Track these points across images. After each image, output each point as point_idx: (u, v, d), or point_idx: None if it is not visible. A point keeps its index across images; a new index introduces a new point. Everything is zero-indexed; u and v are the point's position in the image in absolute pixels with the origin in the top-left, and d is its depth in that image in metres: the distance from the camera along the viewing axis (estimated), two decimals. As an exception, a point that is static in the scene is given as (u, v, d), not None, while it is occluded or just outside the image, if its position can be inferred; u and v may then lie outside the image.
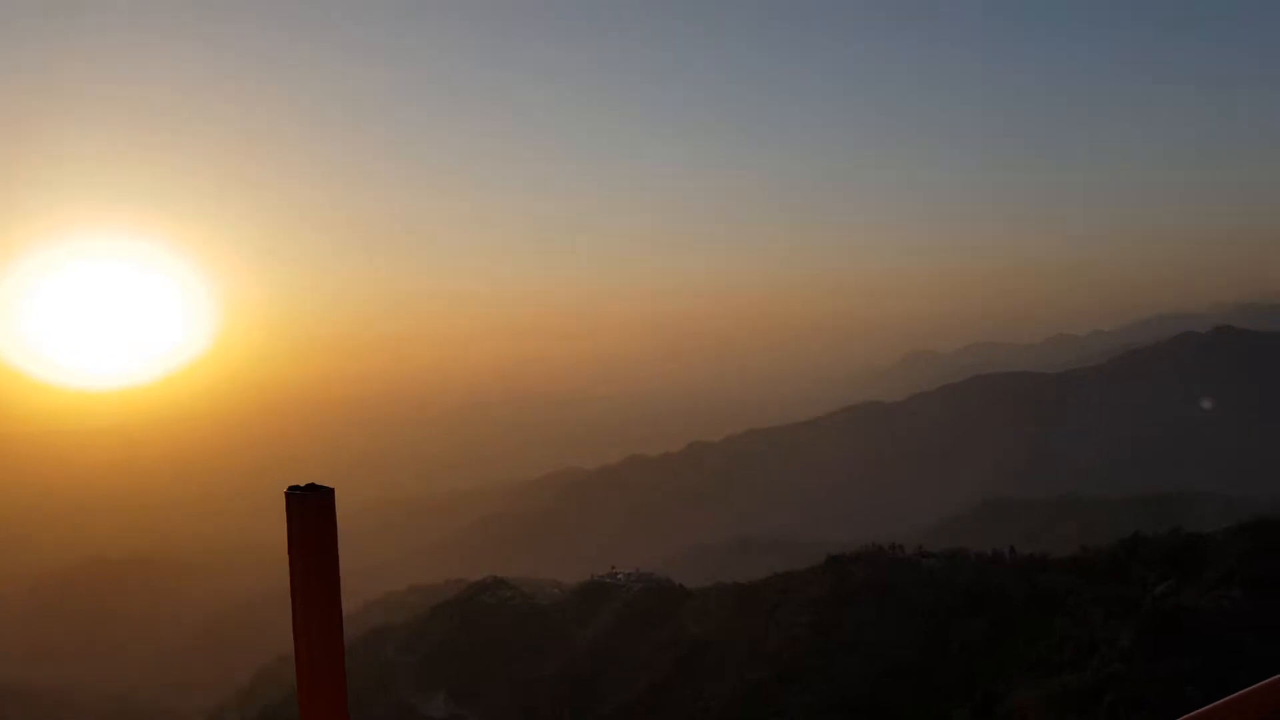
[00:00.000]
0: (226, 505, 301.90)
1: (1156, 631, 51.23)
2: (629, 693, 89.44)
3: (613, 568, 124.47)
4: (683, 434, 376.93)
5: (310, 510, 2.66)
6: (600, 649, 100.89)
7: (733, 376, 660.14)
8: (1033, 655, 60.34)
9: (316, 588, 2.65)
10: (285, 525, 2.64)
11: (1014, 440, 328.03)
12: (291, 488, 2.71)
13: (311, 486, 2.71)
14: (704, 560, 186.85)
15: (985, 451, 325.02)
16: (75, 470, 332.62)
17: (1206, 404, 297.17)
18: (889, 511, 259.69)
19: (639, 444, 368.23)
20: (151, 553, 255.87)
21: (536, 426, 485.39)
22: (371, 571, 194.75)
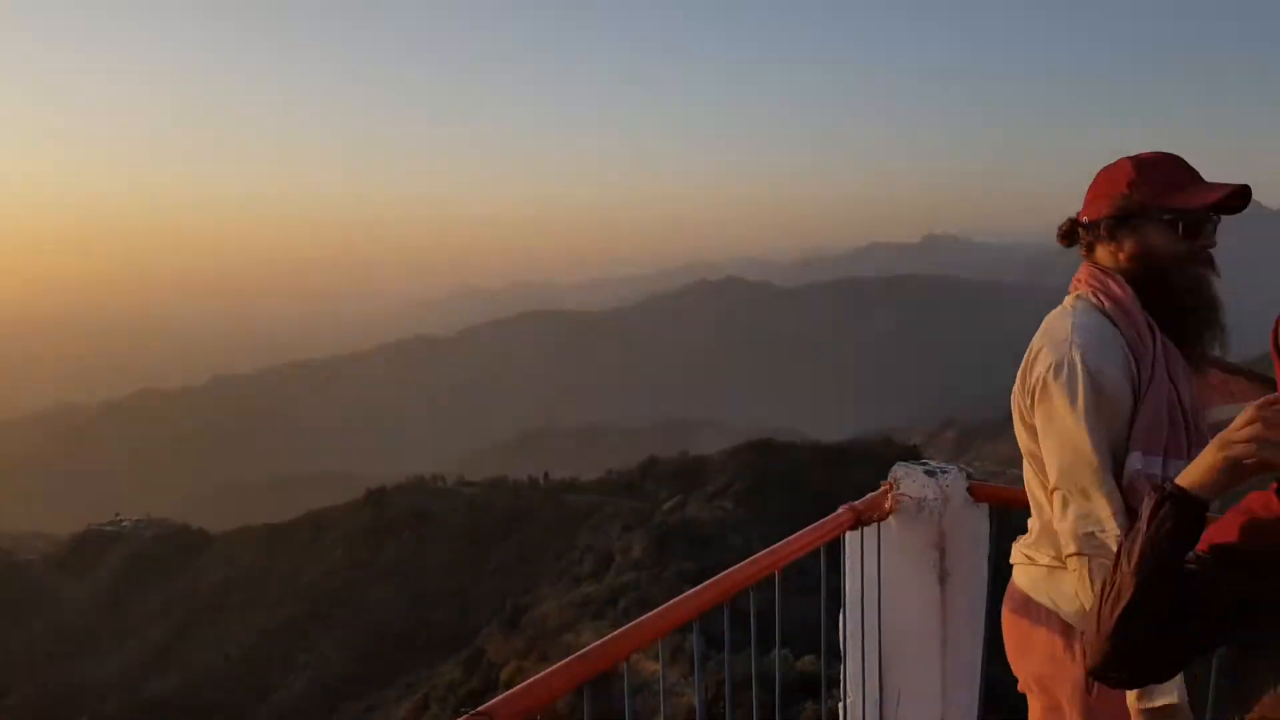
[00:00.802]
0: None
1: (662, 541, 56.44)
2: (130, 651, 79.11)
3: (116, 514, 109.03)
4: (205, 366, 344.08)
5: None
6: (101, 605, 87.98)
7: (269, 307, 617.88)
8: (558, 569, 63.69)
9: None
10: None
11: (555, 373, 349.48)
12: None
13: None
14: (232, 502, 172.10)
15: (528, 384, 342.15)
16: None
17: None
18: (435, 444, 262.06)
19: (152, 377, 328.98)
20: None
21: (19, 359, 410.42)
22: None
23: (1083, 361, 1.86)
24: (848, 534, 2.73)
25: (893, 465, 2.96)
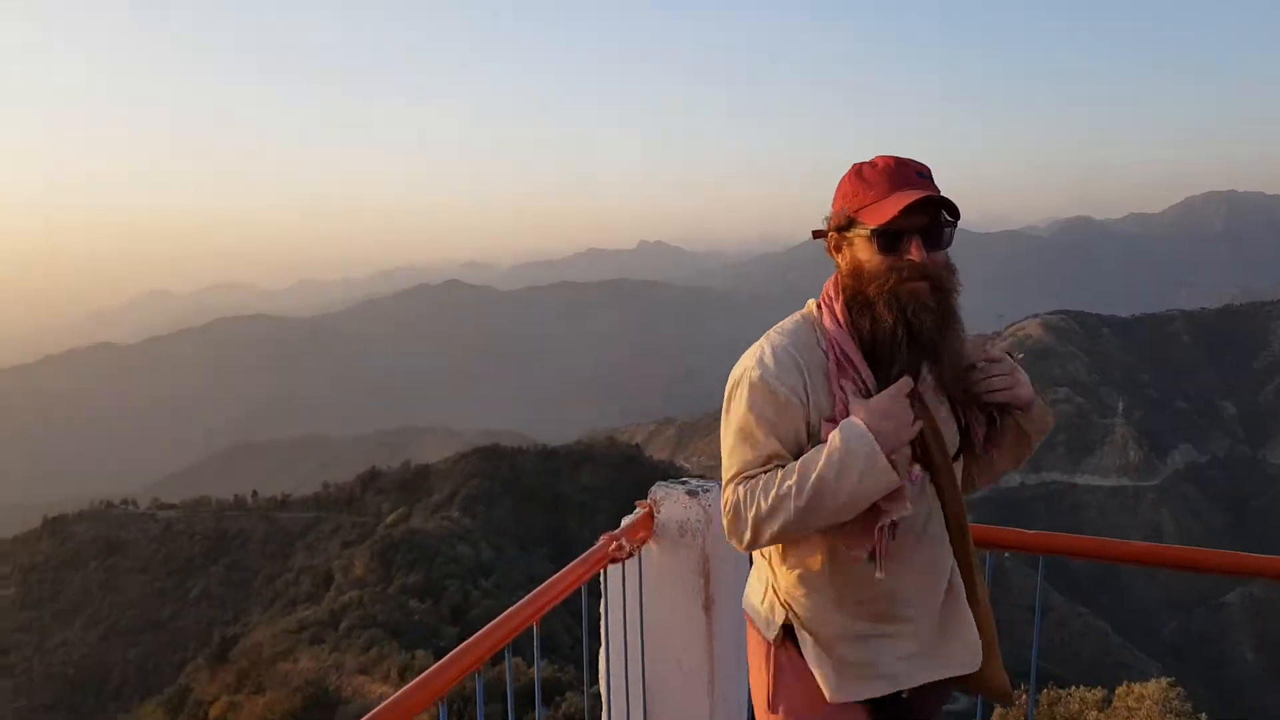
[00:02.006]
0: None
1: (386, 556, 54.71)
2: None
3: None
4: None
5: None
6: None
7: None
8: (270, 593, 59.92)
9: None
10: None
11: (258, 384, 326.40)
12: None
13: None
14: None
15: (229, 396, 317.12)
16: None
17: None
18: (122, 466, 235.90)
19: None
20: None
21: None
22: None
23: (759, 377, 1.85)
24: (609, 567, 2.53)
25: (652, 485, 2.78)
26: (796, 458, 1.83)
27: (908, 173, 1.81)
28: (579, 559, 2.38)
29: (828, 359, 1.87)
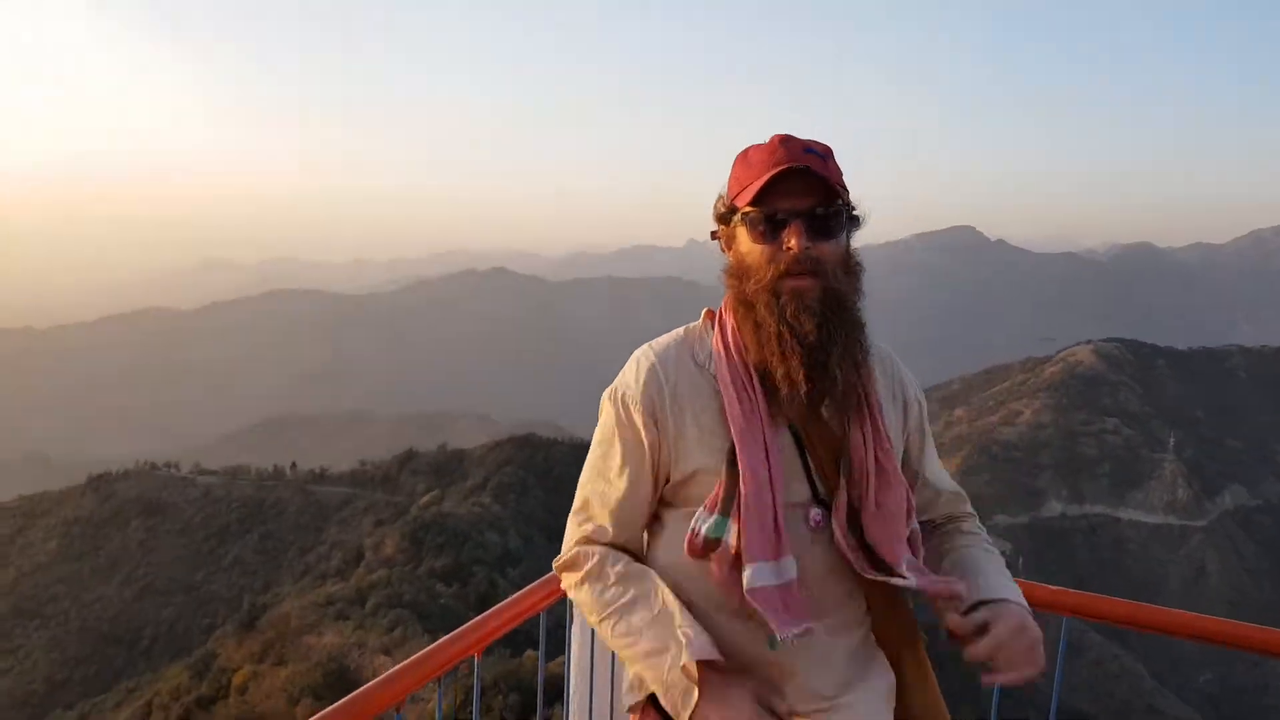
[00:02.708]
0: None
1: (416, 537, 55.17)
2: None
3: None
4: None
5: None
6: None
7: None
8: (302, 566, 60.76)
9: None
10: None
11: (306, 357, 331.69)
12: None
13: None
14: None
15: (277, 367, 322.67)
16: None
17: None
18: (168, 428, 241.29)
19: None
20: None
21: None
22: None
23: (621, 397, 1.63)
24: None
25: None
26: (654, 490, 1.63)
27: (794, 149, 1.52)
28: (539, 581, 2.06)
29: (715, 380, 1.59)
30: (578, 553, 1.68)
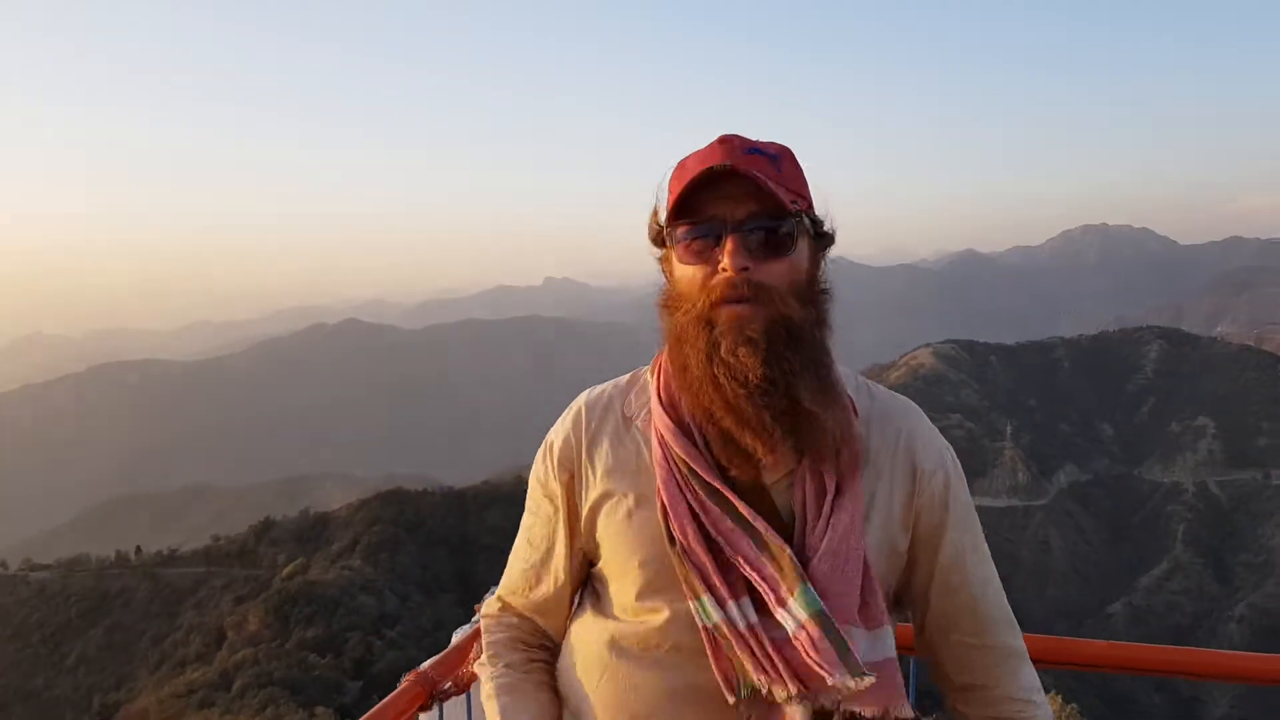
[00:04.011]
0: None
1: (283, 610, 52.64)
2: None
3: None
4: None
5: None
6: None
7: None
8: (157, 655, 56.94)
9: None
10: None
11: (145, 432, 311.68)
12: None
13: None
14: None
15: (112, 445, 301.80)
16: None
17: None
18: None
19: None
20: None
21: None
22: None
23: (545, 450, 1.41)
24: (422, 716, 1.77)
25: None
26: (572, 555, 1.39)
27: (733, 149, 1.21)
28: (381, 704, 1.70)
29: (641, 438, 1.32)
30: (481, 624, 1.53)
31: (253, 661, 45.53)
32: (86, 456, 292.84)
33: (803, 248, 1.22)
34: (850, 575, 1.19)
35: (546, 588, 1.42)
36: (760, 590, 1.17)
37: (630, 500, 1.28)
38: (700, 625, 1.18)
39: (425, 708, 1.75)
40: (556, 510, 1.38)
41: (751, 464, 1.20)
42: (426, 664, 1.81)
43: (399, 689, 1.75)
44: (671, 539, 1.22)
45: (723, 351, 1.15)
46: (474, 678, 1.78)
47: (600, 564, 1.35)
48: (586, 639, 1.34)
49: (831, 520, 1.19)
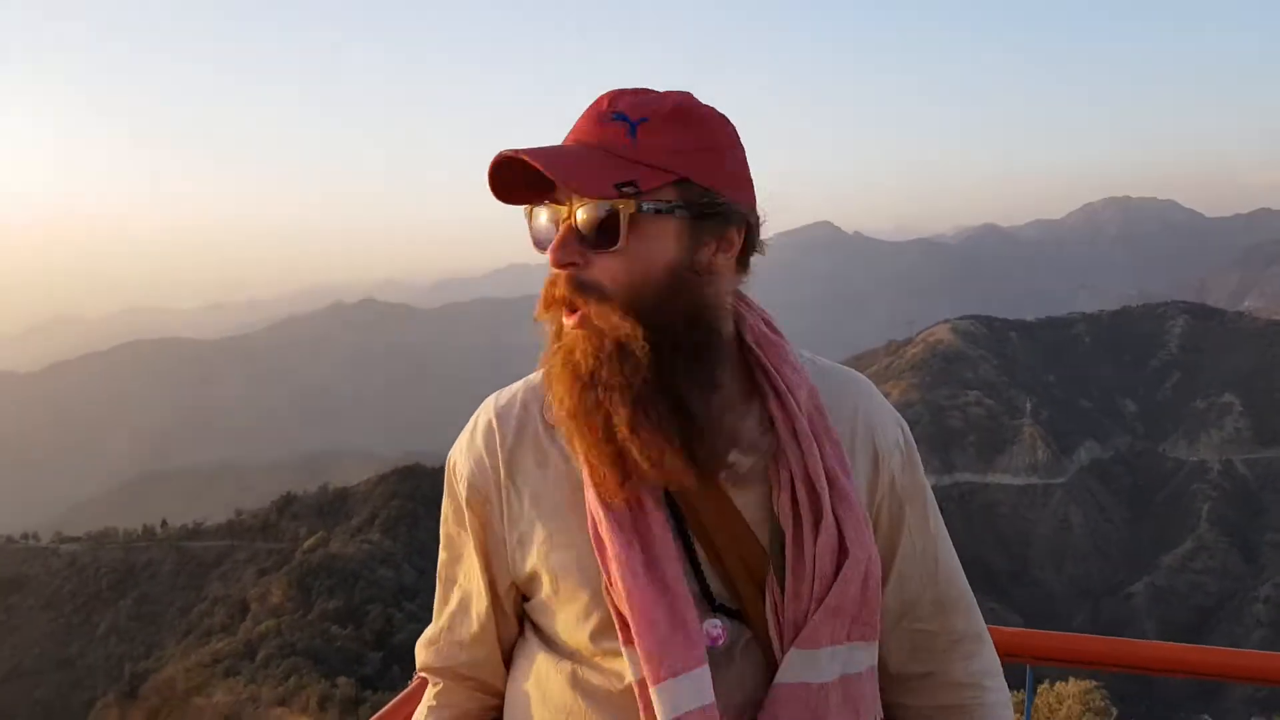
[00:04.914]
0: None
1: (304, 582, 53.50)
2: None
3: None
4: None
5: None
6: None
7: None
8: (184, 626, 58.10)
9: None
10: None
11: (169, 409, 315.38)
12: None
13: None
14: None
15: (138, 422, 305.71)
16: None
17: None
18: (22, 498, 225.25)
19: None
20: None
21: None
22: None
23: (452, 467, 1.23)
24: None
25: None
26: (494, 593, 1.19)
27: (591, 116, 1.04)
28: (395, 699, 1.63)
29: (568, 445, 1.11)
30: (420, 681, 1.35)
31: (276, 632, 46.36)
32: (113, 434, 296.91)
33: (651, 234, 1.00)
34: (854, 608, 1.07)
35: (476, 634, 1.21)
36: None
37: (568, 525, 1.09)
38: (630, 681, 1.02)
39: None
40: (472, 544, 1.19)
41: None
42: None
43: (410, 688, 1.60)
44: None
45: (555, 381, 1.04)
46: None
47: (540, 596, 1.14)
48: (543, 679, 1.14)
49: (822, 529, 1.04)
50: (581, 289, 1.00)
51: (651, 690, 0.99)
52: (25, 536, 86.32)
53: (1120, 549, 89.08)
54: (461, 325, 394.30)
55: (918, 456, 1.21)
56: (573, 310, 1.01)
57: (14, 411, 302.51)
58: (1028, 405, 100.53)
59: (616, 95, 1.03)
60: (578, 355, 1.00)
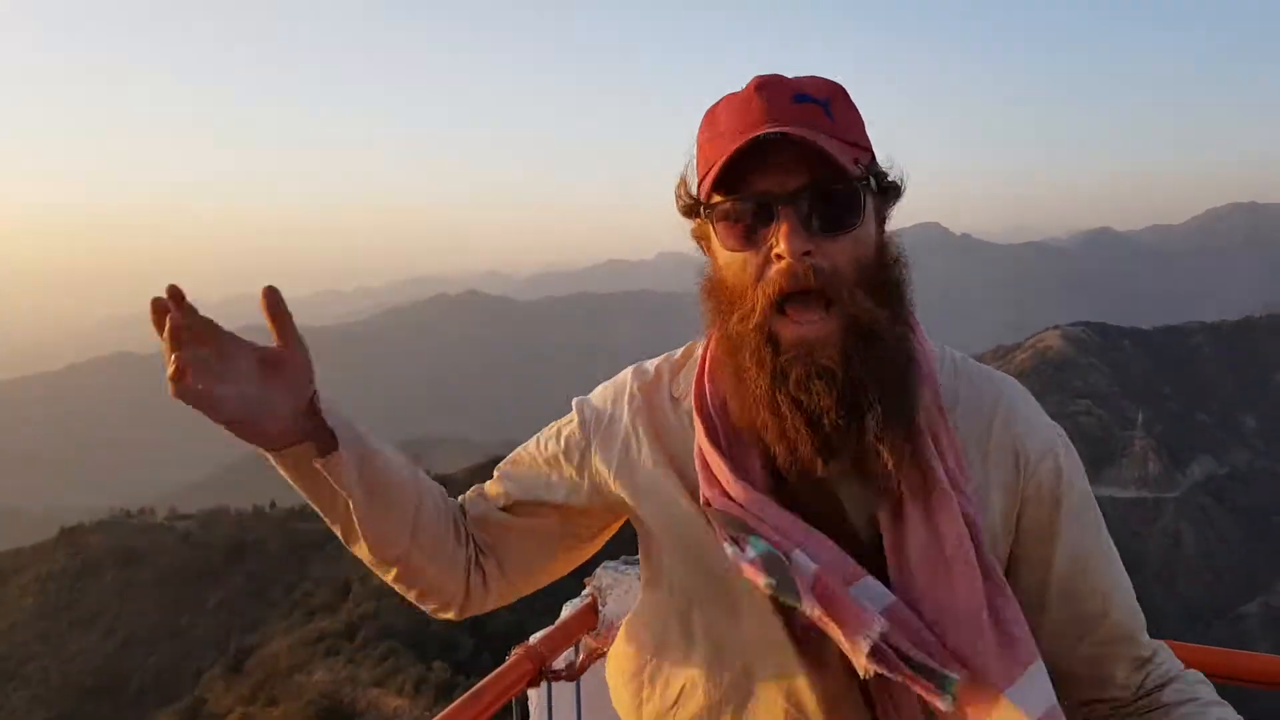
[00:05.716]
0: None
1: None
2: None
3: None
4: None
5: None
6: None
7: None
8: (288, 604, 60.37)
9: None
10: None
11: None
12: None
13: None
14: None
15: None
16: None
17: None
18: (140, 475, 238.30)
19: None
20: None
21: None
22: None
23: (588, 400, 1.30)
24: (530, 691, 1.71)
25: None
26: (555, 495, 1.25)
27: (777, 99, 0.97)
28: (488, 678, 1.61)
29: (691, 429, 1.11)
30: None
31: (375, 615, 47.75)
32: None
33: (869, 213, 0.98)
34: (967, 619, 0.97)
35: (514, 489, 1.29)
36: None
37: (679, 492, 1.12)
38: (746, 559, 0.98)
39: (534, 684, 1.64)
40: (568, 468, 1.24)
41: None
42: (535, 638, 1.74)
43: (508, 662, 1.65)
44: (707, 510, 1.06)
45: (791, 384, 0.94)
46: (585, 667, 1.73)
47: (642, 559, 1.25)
48: (659, 601, 1.22)
49: (934, 526, 0.98)
50: (823, 276, 0.93)
51: (848, 589, 0.95)
52: (142, 512, 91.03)
53: (1233, 569, 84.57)
54: (563, 318, 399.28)
55: (1079, 469, 1.11)
56: (815, 307, 0.94)
57: (135, 391, 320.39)
58: (1140, 417, 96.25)
59: (777, 80, 0.98)
60: (821, 357, 0.93)
